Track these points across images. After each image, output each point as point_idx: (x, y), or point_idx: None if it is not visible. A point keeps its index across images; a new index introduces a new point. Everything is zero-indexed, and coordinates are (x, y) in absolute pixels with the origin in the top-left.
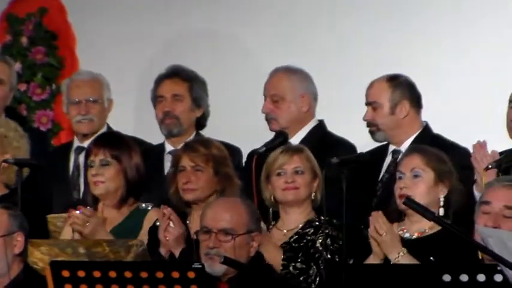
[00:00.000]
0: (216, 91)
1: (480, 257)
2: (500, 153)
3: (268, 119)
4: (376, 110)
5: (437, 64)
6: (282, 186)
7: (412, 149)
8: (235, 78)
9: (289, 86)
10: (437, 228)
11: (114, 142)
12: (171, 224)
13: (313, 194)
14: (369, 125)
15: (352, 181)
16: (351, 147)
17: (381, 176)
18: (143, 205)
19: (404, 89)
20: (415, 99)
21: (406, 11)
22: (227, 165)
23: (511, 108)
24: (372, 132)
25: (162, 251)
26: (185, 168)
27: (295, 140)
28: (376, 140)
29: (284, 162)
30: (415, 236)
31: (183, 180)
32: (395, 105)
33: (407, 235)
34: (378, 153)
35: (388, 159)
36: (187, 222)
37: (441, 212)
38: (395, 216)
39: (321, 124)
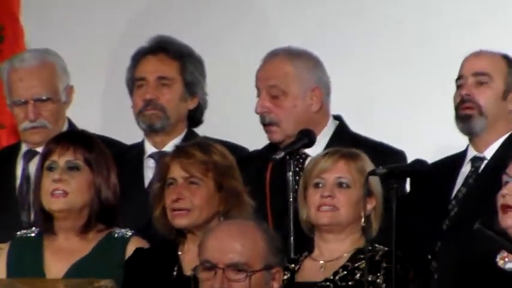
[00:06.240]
0: (216, 74)
1: None
2: None
3: (266, 124)
4: (485, 87)
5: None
6: (316, 202)
7: None
8: (242, 56)
9: (294, 74)
10: None
11: (87, 142)
12: None
13: (363, 220)
14: (460, 105)
15: (412, 199)
16: (400, 155)
17: (455, 191)
18: (118, 231)
19: None
20: None
21: None
22: (234, 176)
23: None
24: (467, 118)
25: None
26: (176, 180)
27: (312, 151)
28: (469, 130)
29: (325, 169)
30: None
31: (173, 196)
32: (509, 91)
33: (510, 265)
34: (452, 163)
35: (466, 169)
36: (179, 253)
37: None
38: (503, 235)
39: (342, 125)
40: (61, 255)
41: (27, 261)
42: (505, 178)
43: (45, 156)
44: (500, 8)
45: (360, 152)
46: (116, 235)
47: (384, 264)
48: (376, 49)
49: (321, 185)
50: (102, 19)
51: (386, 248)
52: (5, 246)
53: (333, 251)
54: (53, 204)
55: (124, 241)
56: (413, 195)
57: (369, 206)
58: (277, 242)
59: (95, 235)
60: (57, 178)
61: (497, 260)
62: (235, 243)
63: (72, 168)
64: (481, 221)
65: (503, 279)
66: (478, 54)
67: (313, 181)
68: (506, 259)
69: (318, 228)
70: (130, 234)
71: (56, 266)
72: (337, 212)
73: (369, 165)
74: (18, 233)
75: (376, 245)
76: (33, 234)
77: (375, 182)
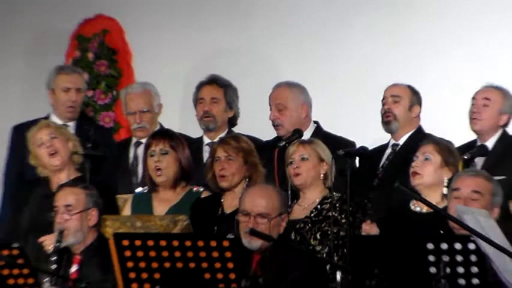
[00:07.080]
0: (244, 97)
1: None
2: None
3: (275, 126)
4: (398, 104)
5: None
6: (292, 173)
7: (429, 138)
8: (260, 86)
9: (291, 96)
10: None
11: (170, 136)
12: None
13: (322, 175)
14: (384, 115)
15: (359, 168)
16: (351, 144)
17: (381, 163)
18: (195, 188)
19: (419, 96)
20: (421, 106)
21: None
22: (254, 155)
23: (472, 104)
24: (388, 122)
25: None
26: (220, 158)
27: None
28: (389, 129)
29: (293, 152)
30: (424, 210)
31: (219, 168)
32: (412, 106)
33: (418, 209)
34: (381, 148)
35: (388, 150)
36: (222, 200)
37: (445, 190)
38: (414, 192)
39: (318, 126)
40: (162, 203)
41: (143, 206)
42: (414, 158)
43: (147, 146)
44: (415, 51)
45: (312, 138)
46: (194, 190)
47: (338, 205)
48: (341, 80)
49: (292, 162)
50: (179, 64)
51: (339, 194)
52: (130, 197)
53: (308, 198)
54: (157, 179)
55: (199, 194)
56: (360, 167)
57: (325, 168)
58: (285, 198)
59: (181, 190)
60: (156, 160)
61: (410, 205)
62: (262, 200)
63: (164, 153)
64: (399, 181)
65: (413, 217)
66: (394, 85)
67: (288, 161)
68: (416, 205)
69: (297, 187)
70: (202, 189)
71: (159, 209)
72: (303, 176)
73: (320, 146)
74: (137, 190)
75: (334, 193)
76: (146, 191)
77: (326, 153)
